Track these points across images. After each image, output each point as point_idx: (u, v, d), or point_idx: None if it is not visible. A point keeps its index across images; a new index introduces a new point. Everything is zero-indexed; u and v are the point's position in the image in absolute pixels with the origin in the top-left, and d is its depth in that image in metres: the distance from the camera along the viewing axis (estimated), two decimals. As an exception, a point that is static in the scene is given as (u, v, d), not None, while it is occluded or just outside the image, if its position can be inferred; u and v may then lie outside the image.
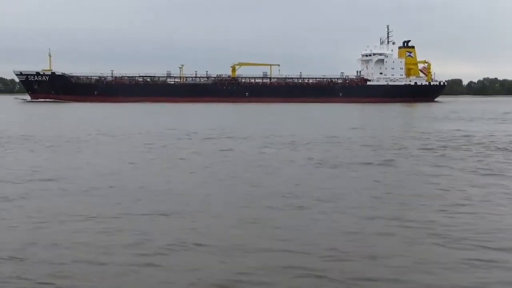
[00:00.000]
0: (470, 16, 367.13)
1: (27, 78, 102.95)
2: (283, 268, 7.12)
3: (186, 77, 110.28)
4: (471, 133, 29.78)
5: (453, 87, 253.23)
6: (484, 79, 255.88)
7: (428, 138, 26.52)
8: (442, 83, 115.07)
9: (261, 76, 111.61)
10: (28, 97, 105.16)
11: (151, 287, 6.60)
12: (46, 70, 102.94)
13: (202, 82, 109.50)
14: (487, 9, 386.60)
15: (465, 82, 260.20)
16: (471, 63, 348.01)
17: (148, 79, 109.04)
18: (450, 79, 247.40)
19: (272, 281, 6.72)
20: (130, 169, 15.96)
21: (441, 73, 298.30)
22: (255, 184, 13.30)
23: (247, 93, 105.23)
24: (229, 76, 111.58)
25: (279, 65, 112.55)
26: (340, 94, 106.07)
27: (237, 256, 7.64)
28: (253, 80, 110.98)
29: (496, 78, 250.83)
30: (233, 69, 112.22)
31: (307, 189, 12.60)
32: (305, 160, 17.98)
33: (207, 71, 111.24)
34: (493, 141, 24.68)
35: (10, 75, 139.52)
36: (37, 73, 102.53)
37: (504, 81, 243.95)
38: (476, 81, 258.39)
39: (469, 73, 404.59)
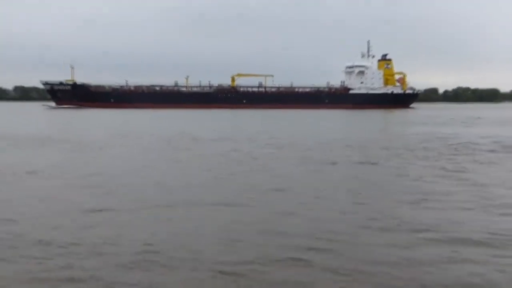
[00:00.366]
0: (447, 31, 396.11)
1: (52, 87, 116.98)
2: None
3: (191, 86, 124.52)
4: (440, 134, 33.26)
5: (430, 95, 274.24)
6: (458, 87, 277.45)
7: (403, 140, 29.58)
8: (416, 92, 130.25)
9: (257, 85, 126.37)
10: (53, 104, 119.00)
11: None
12: (68, 81, 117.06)
13: (205, 91, 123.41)
14: (462, 25, 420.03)
15: (441, 91, 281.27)
16: (447, 73, 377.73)
17: (158, 88, 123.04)
18: (428, 87, 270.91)
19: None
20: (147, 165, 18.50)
21: (420, 82, 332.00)
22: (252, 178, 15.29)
23: (244, 101, 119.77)
24: (229, 85, 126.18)
25: (272, 75, 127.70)
26: (326, 101, 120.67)
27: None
28: (250, 89, 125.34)
29: (468, 87, 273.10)
30: (233, 79, 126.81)
31: (293, 183, 14.40)
32: (294, 158, 20.36)
33: (209, 81, 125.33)
34: (448, 142, 27.82)
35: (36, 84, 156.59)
36: (61, 83, 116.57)
37: (476, 89, 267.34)
38: (450, 90, 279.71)
39: (445, 82, 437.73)
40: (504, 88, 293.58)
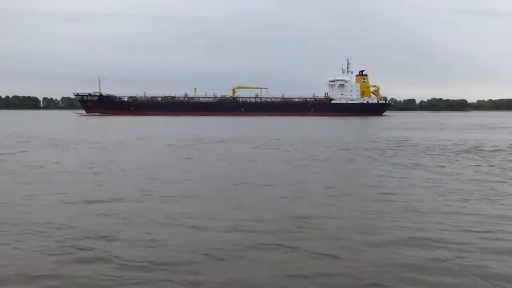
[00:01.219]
0: (423, 49, 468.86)
1: (82, 98, 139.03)
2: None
3: (198, 97, 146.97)
4: (408, 138, 38.52)
5: (409, 105, 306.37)
6: (432, 98, 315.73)
7: (376, 142, 34.39)
8: (388, 102, 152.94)
9: (254, 96, 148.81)
10: (83, 112, 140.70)
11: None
12: (96, 92, 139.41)
13: (210, 101, 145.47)
14: (437, 44, 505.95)
15: (418, 101, 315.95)
16: (423, 86, 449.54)
17: (170, 98, 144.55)
18: (407, 98, 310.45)
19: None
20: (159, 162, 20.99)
21: (400, 94, 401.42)
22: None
23: (242, 109, 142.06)
24: (230, 96, 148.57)
25: (267, 88, 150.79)
26: (312, 109, 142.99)
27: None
28: (248, 99, 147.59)
29: (441, 98, 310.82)
30: (234, 91, 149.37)
31: (280, 176, 17.06)
32: (283, 157, 23.85)
33: (214, 93, 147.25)
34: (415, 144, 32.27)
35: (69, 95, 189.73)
36: (89, 94, 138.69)
37: (447, 100, 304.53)
38: (426, 100, 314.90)
39: (422, 94, 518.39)
40: (471, 99, 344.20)
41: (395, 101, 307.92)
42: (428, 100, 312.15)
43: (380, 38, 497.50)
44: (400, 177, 17.28)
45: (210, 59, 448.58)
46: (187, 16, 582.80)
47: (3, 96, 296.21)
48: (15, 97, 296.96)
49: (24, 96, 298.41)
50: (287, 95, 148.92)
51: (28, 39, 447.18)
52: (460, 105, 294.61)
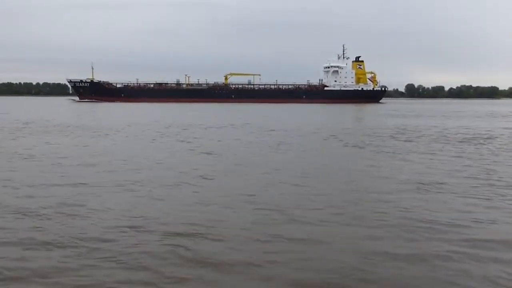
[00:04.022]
0: (455, 34, 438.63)
1: (75, 84, 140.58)
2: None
3: (190, 84, 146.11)
4: (391, 125, 41.23)
5: (438, 92, 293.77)
6: (462, 85, 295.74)
7: (368, 129, 36.10)
8: (384, 89, 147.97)
9: (247, 83, 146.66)
10: (77, 98, 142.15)
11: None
12: (88, 79, 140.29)
13: (201, 88, 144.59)
14: (467, 31, 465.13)
15: (447, 88, 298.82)
16: (454, 73, 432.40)
17: (161, 85, 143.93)
18: (435, 85, 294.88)
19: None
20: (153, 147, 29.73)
21: (428, 81, 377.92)
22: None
23: (233, 96, 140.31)
24: (223, 83, 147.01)
25: (260, 74, 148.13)
26: (304, 96, 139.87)
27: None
28: (239, 86, 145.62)
29: (471, 85, 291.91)
30: (226, 78, 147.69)
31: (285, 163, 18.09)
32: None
33: (206, 79, 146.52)
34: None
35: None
36: (81, 81, 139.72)
37: (477, 87, 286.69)
38: (455, 87, 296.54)
39: (452, 81, 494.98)
40: (503, 86, 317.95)
41: (423, 88, 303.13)
42: (457, 87, 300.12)
43: (410, 24, 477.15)
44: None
45: (241, 46, 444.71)
46: (217, 3, 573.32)
47: (32, 83, 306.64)
48: (45, 84, 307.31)
49: (54, 83, 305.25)
50: (281, 81, 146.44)
51: (61, 28, 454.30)
52: (490, 92, 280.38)
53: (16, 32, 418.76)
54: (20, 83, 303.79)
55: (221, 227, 9.52)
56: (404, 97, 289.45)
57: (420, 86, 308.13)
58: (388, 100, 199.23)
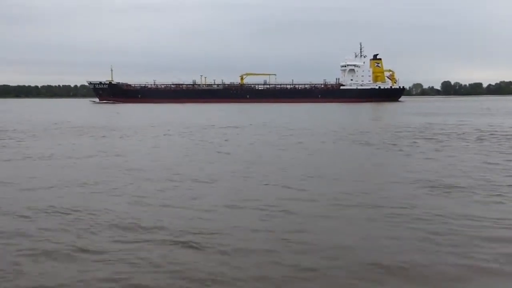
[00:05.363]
0: (493, 30, 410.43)
1: (94, 86, 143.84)
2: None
3: (206, 84, 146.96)
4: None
5: (475, 89, 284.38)
6: (501, 82, 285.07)
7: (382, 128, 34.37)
8: (402, 87, 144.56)
9: (262, 83, 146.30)
10: (97, 100, 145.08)
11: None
12: (106, 81, 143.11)
13: (217, 88, 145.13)
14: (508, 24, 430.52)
15: (485, 85, 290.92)
16: (493, 67, 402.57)
17: (176, 86, 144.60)
18: (473, 82, 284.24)
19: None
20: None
21: (468, 78, 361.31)
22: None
23: (248, 96, 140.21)
24: (238, 83, 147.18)
25: (275, 74, 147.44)
26: (319, 96, 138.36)
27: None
28: (255, 86, 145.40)
29: (510, 81, 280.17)
30: (242, 78, 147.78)
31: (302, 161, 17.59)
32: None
33: (222, 80, 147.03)
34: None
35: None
36: (100, 83, 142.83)
37: None
38: (494, 84, 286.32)
39: (491, 78, 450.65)
40: None
41: (459, 85, 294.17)
42: (496, 84, 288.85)
43: (447, 20, 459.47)
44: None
45: (274, 45, 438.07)
46: (249, 3, 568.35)
47: (58, 85, 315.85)
48: (82, 86, 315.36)
49: (82, 85, 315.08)
50: (297, 81, 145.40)
51: (90, 30, 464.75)
52: None
53: (53, 36, 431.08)
54: (59, 85, 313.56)
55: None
56: (440, 94, 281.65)
57: (456, 83, 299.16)
58: (419, 98, 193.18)
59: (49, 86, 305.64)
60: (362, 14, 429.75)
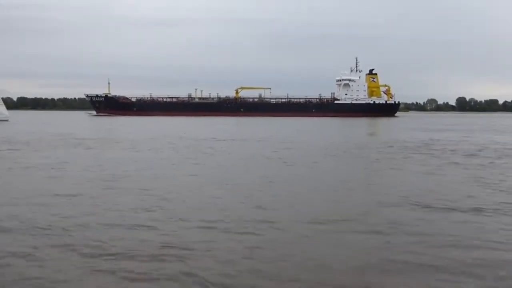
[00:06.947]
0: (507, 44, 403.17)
1: (91, 99, 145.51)
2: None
3: (201, 98, 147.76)
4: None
5: (491, 105, 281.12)
6: None
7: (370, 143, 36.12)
8: (398, 102, 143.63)
9: (257, 97, 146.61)
10: (94, 112, 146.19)
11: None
12: (103, 94, 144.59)
13: (211, 102, 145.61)
14: None
15: (501, 101, 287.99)
16: (507, 85, 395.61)
17: (172, 99, 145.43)
18: (488, 99, 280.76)
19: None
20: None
21: (484, 94, 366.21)
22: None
23: (242, 109, 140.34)
24: (233, 97, 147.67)
25: (270, 88, 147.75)
26: (313, 110, 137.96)
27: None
28: (249, 100, 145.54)
29: None
30: (237, 92, 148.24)
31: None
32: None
33: (217, 93, 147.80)
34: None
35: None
36: (97, 95, 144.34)
37: None
38: (510, 100, 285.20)
39: (505, 94, 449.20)
40: None
41: (475, 101, 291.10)
42: None
43: (461, 35, 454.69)
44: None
45: (284, 59, 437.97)
46: (262, 17, 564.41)
47: (74, 98, 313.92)
48: None
49: None
50: (292, 95, 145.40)
51: (112, 45, 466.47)
52: None
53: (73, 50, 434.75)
54: (75, 98, 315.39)
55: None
56: (455, 110, 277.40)
57: (472, 99, 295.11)
58: (427, 114, 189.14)
59: (65, 99, 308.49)
60: (361, 30, 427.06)
